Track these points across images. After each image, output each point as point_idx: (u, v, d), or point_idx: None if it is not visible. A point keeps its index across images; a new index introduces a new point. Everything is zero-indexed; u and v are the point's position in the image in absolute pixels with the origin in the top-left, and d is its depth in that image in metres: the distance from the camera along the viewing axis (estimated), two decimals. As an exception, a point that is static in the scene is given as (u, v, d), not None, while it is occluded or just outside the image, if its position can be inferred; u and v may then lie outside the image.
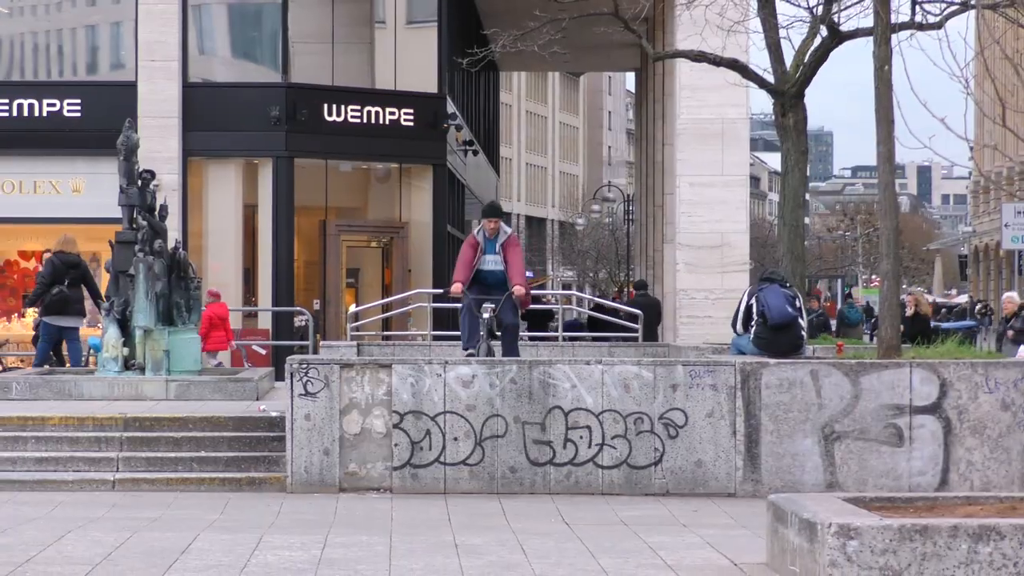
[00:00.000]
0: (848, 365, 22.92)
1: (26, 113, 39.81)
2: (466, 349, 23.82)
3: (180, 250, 29.64)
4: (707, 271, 39.88)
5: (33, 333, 33.99)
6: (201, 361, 30.23)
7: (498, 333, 23.67)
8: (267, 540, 16.43)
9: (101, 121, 32.86)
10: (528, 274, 42.21)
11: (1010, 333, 33.57)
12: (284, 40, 40.00)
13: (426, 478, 20.81)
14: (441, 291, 37.97)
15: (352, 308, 40.38)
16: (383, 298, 41.82)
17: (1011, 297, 40.14)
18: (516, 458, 20.88)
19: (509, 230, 24.55)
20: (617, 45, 39.28)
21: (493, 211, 26.01)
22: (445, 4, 42.54)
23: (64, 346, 32.87)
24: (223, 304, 35.68)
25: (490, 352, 23.52)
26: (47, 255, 33.59)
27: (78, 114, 38.24)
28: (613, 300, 56.01)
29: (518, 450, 20.90)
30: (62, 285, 31.80)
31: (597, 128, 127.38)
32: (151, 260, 26.63)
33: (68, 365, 32.55)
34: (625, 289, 48.84)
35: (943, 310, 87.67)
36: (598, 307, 49.23)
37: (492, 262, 24.07)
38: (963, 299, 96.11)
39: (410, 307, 41.03)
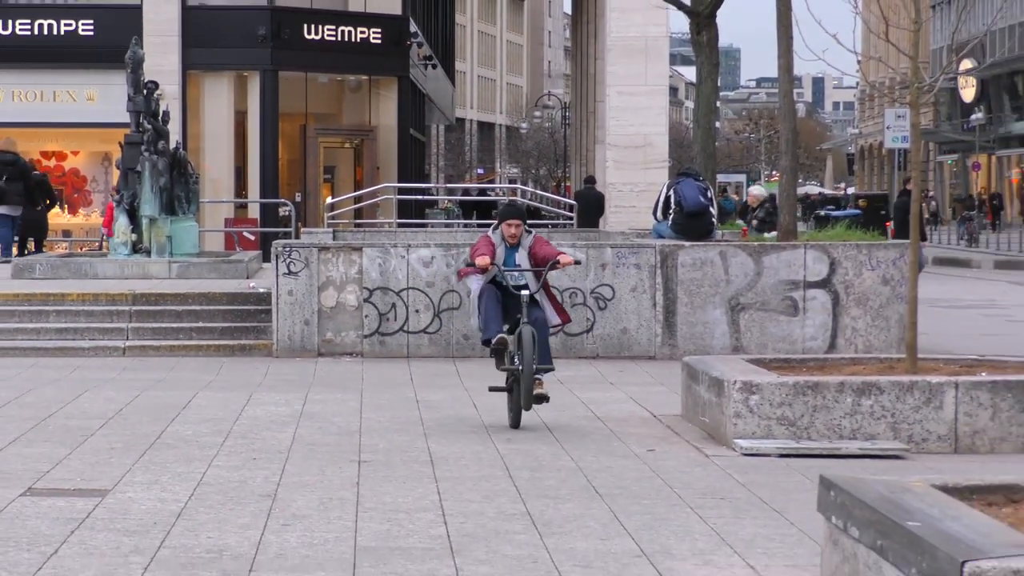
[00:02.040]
0: (752, 247, 24.17)
1: (46, 32, 40.10)
2: (486, 341, 15.80)
3: (180, 150, 30.07)
4: (632, 167, 40.43)
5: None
6: (198, 244, 30.48)
7: (525, 321, 15.19)
8: (256, 397, 17.47)
9: (111, 39, 33.18)
10: (479, 170, 42.82)
11: (754, 223, 34.90)
12: None
13: (392, 344, 21.79)
14: (411, 195, 38.16)
15: (328, 200, 40.82)
16: (355, 191, 42.32)
17: (756, 192, 41.31)
18: (468, 327, 21.24)
19: (533, 231, 17.10)
20: None
21: (516, 212, 17.34)
22: None
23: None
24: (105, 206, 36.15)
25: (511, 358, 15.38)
26: None
27: (91, 33, 38.60)
28: (552, 193, 56.75)
29: (470, 320, 22.25)
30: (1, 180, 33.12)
31: (539, 45, 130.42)
32: (155, 159, 27.20)
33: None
34: (562, 184, 49.63)
35: (858, 199, 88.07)
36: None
37: (512, 277, 15.86)
38: (852, 192, 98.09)
39: (378, 199, 41.52)
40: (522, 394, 14.55)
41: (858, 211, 72.36)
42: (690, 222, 25.05)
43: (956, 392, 14.67)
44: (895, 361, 16.63)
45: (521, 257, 15.86)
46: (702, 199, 26.33)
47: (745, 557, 9.83)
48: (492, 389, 15.50)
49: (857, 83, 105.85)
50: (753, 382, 14.84)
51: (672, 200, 25.97)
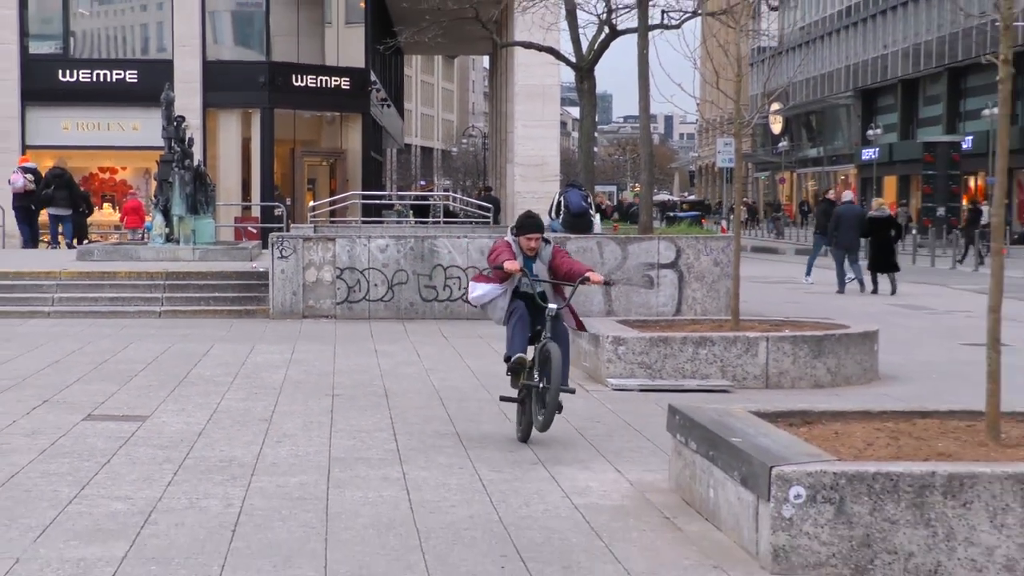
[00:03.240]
0: (620, 238, 24.37)
1: (102, 79, 39.56)
2: (509, 357, 11.74)
3: (201, 166, 29.44)
4: (533, 180, 39.43)
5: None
6: (215, 236, 30.32)
7: (548, 336, 11.54)
8: (257, 348, 17.58)
9: (150, 84, 32.59)
10: (422, 182, 43.01)
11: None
12: (267, 33, 40.26)
13: (357, 309, 21.84)
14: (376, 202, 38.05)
15: (310, 203, 41.06)
16: (330, 197, 42.24)
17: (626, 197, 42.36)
18: (413, 297, 22.03)
19: (551, 242, 12.62)
20: (478, 38, 40.10)
21: (535, 225, 12.37)
22: (369, 11, 42.99)
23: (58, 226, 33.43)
24: (139, 200, 35.87)
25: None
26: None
27: (136, 80, 38.29)
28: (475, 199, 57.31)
29: (415, 292, 22.05)
30: (49, 189, 32.60)
31: (465, 90, 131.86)
32: (183, 173, 26.77)
33: (61, 240, 33.12)
34: (482, 192, 50.24)
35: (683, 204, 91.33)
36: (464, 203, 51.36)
37: (526, 284, 12.03)
38: (692, 198, 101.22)
39: (347, 203, 41.22)
40: (545, 414, 10.55)
41: (699, 213, 73.55)
42: (575, 220, 25.31)
43: (767, 344, 14.99)
44: (723, 322, 16.87)
45: (539, 268, 11.56)
46: (583, 203, 26.66)
47: (615, 464, 10.03)
48: (503, 399, 11.52)
49: (696, 119, 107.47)
50: (620, 336, 15.19)
51: (562, 204, 26.39)
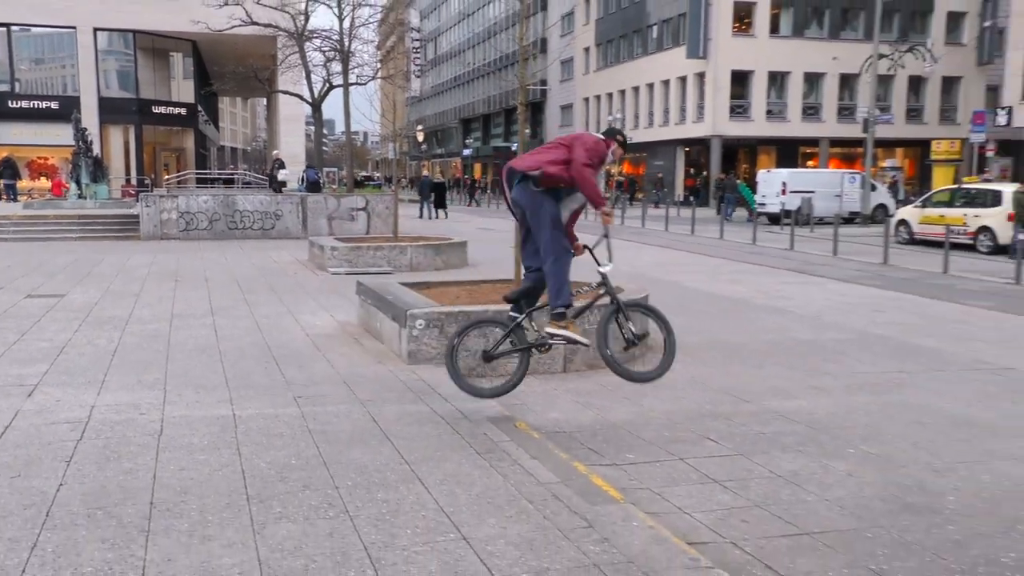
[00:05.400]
0: (337, 195, 24.14)
1: (37, 106, 38.50)
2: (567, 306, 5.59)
3: (99, 156, 28.48)
4: (291, 165, 37.62)
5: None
6: (108, 195, 29.19)
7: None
8: (133, 257, 16.83)
9: (66, 111, 31.15)
10: (232, 167, 43.62)
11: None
12: (136, 82, 38.61)
13: (192, 235, 21.27)
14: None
15: (165, 177, 39.49)
16: (176, 174, 41.08)
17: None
18: (224, 228, 21.59)
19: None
20: (259, 88, 39.69)
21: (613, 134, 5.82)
22: (195, 71, 41.48)
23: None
24: (60, 179, 34.32)
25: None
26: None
27: (57, 106, 36.99)
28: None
29: (224, 225, 21.62)
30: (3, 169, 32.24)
31: (256, 115, 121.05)
32: (87, 160, 25.95)
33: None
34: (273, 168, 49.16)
35: (373, 176, 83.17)
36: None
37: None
38: (377, 175, 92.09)
39: (186, 177, 39.90)
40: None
41: (379, 182, 73.87)
42: (311, 186, 26.62)
43: (412, 248, 15.40)
44: (390, 237, 16.94)
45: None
46: (316, 176, 27.90)
47: (330, 312, 10.12)
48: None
49: (379, 133, 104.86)
50: (335, 246, 15.22)
51: (305, 178, 27.93)
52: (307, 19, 32.38)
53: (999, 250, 19.93)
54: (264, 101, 47.35)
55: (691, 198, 41.64)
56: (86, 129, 28.08)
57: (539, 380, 7.22)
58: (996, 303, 12.07)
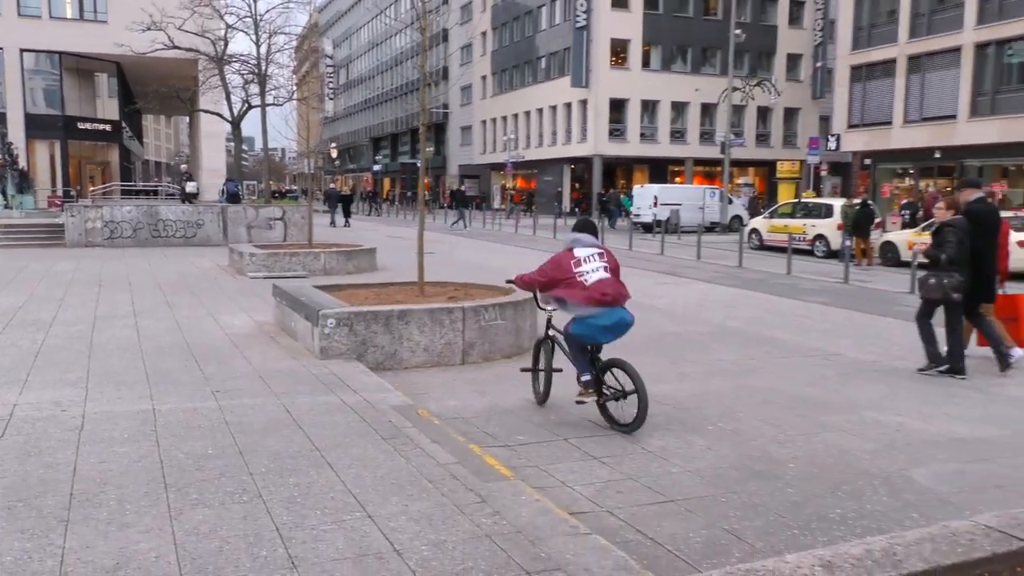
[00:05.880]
0: (256, 205, 23.65)
1: None
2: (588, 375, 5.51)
3: (24, 169, 27.45)
4: (212, 178, 37.87)
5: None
6: (35, 205, 27.70)
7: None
8: (58, 263, 16.00)
9: None
10: (156, 179, 42.06)
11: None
12: (62, 99, 36.23)
13: (116, 242, 20.37)
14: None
15: (91, 189, 37.36)
16: (102, 185, 38.93)
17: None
18: (147, 236, 20.72)
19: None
20: (181, 107, 38.45)
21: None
22: (120, 90, 39.36)
23: None
24: None
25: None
26: None
27: None
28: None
29: (148, 233, 20.73)
30: None
31: (179, 131, 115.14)
32: (13, 172, 24.82)
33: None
34: (184, 180, 46.87)
35: (291, 189, 79.05)
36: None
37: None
38: (295, 187, 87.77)
39: (111, 189, 38.12)
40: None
41: (296, 195, 71.75)
42: (231, 198, 25.99)
43: (325, 254, 14.99)
44: (305, 244, 16.62)
45: None
46: (236, 189, 27.23)
47: (248, 313, 9.79)
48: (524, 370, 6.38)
49: (296, 149, 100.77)
50: (254, 252, 14.78)
51: (226, 191, 26.98)
52: (226, 45, 31.37)
53: (831, 254, 20.80)
54: (187, 118, 45.25)
55: (576, 209, 42.31)
56: (12, 143, 26.62)
57: (440, 371, 7.19)
58: (828, 299, 12.65)
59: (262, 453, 4.50)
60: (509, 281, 6.03)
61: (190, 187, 27.59)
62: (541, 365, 5.98)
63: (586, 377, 5.46)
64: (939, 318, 7.60)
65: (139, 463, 4.34)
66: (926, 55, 30.54)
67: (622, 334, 5.41)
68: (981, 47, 28.56)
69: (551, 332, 5.95)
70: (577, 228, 5.62)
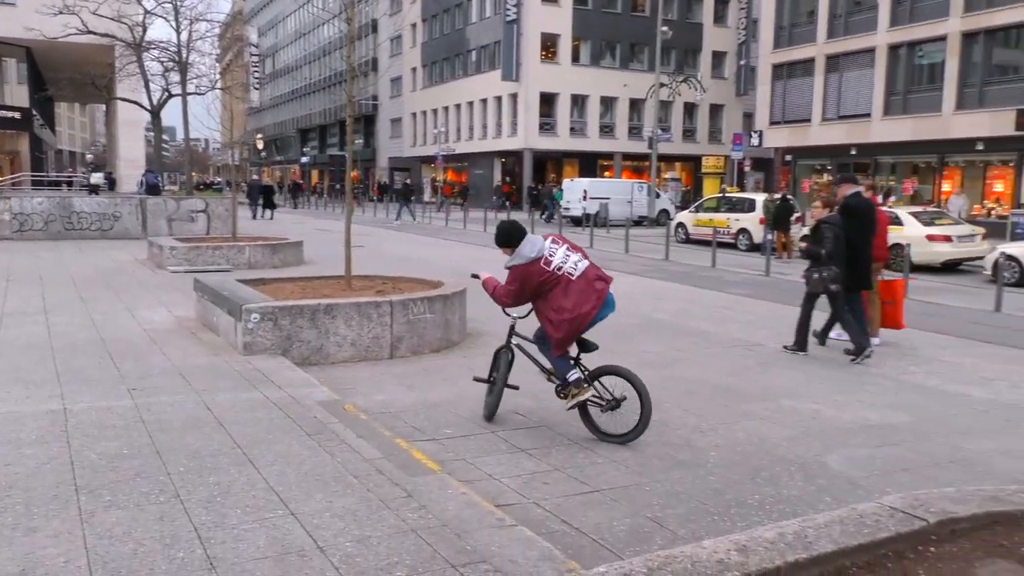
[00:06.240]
0: (177, 197, 23.10)
1: None
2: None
3: None
4: (130, 168, 36.10)
5: None
6: None
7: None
8: None
9: None
10: (70, 170, 40.03)
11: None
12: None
13: (26, 235, 19.64)
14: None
15: (0, 179, 35.69)
16: (11, 175, 36.85)
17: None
18: (60, 228, 20.00)
19: (515, 261, 5.14)
20: (97, 94, 36.99)
21: (496, 238, 5.28)
22: (30, 76, 37.53)
23: None
24: None
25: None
26: None
27: None
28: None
29: (60, 225, 19.99)
30: None
31: (94, 120, 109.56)
32: None
33: None
34: (105, 175, 43.81)
35: (215, 181, 75.71)
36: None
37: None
38: (218, 179, 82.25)
39: (21, 179, 36.22)
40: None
41: (220, 186, 69.13)
42: (151, 189, 25.10)
43: (250, 248, 14.73)
44: (229, 238, 16.25)
45: None
46: (156, 180, 26.41)
47: (168, 308, 9.59)
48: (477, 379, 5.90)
49: (220, 140, 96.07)
50: (175, 246, 14.46)
51: (145, 182, 25.96)
52: (145, 31, 30.27)
53: (754, 248, 21.32)
54: (103, 107, 43.25)
55: (506, 203, 42.42)
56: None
57: (368, 366, 7.11)
58: (751, 291, 12.99)
59: (181, 452, 4.39)
60: (475, 275, 5.55)
61: (95, 178, 26.45)
62: (497, 376, 5.38)
63: (575, 375, 5.14)
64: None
65: (48, 465, 4.18)
66: (843, 55, 31.61)
67: (604, 318, 5.05)
68: (894, 48, 29.73)
69: (515, 341, 5.46)
70: (513, 235, 5.08)
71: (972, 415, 5.98)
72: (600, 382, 5.18)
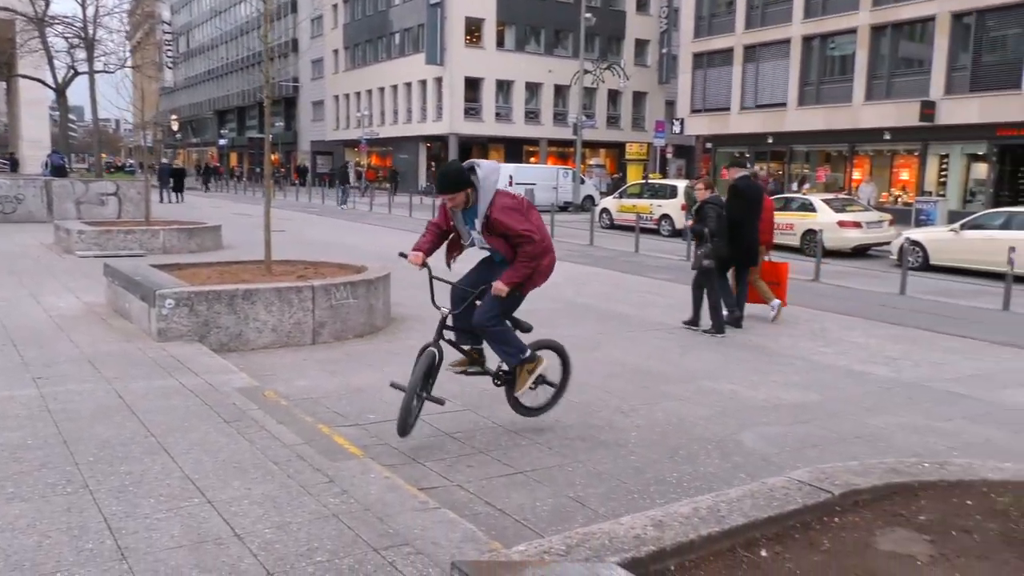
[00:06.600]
0: (87, 179, 21.85)
1: None
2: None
3: None
4: (35, 150, 32.75)
5: None
6: None
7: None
8: None
9: None
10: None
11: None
12: None
13: None
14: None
15: None
16: None
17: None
18: (35, 214, 19.35)
19: (491, 196, 4.58)
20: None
21: (441, 185, 4.61)
22: None
23: None
24: None
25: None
26: None
27: None
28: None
29: (38, 209, 19.72)
30: None
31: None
32: None
33: None
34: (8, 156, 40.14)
35: (128, 163, 73.08)
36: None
37: (479, 239, 4.78)
38: (131, 161, 77.19)
39: None
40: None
41: (132, 169, 66.05)
42: (56, 171, 23.76)
43: (164, 232, 14.29)
44: (143, 221, 15.47)
45: (479, 223, 4.73)
46: (62, 162, 24.86)
47: (76, 294, 9.22)
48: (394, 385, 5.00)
49: (132, 122, 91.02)
50: (83, 230, 13.93)
51: (50, 163, 24.58)
52: (48, 5, 28.76)
53: (676, 233, 21.76)
54: (3, 84, 40.81)
55: (433, 188, 42.12)
56: None
57: (289, 352, 7.00)
58: (672, 276, 13.28)
59: (90, 441, 4.23)
60: (402, 254, 4.85)
61: None
62: (420, 382, 4.61)
63: (529, 352, 4.76)
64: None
65: (-56, 458, 3.91)
66: (760, 45, 32.47)
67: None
68: (808, 40, 30.69)
69: (448, 336, 4.78)
70: (464, 172, 4.53)
71: (877, 393, 6.26)
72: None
